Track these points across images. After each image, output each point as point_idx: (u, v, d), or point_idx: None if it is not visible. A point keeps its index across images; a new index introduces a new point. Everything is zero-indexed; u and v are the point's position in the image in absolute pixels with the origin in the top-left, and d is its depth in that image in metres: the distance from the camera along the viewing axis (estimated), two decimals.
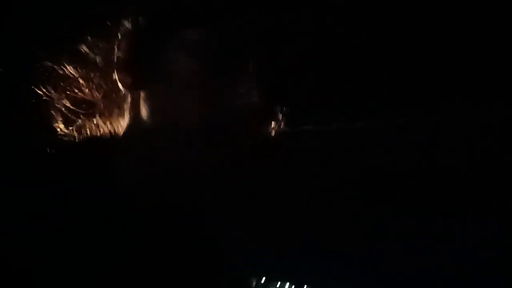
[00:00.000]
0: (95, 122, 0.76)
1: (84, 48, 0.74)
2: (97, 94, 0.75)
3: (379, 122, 2.21)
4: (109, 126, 0.76)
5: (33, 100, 0.76)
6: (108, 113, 0.76)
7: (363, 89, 2.15)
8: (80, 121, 0.76)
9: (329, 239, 2.32)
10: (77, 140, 0.75)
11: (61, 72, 0.75)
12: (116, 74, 0.73)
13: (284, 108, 0.76)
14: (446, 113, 2.24)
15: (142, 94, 0.72)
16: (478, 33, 2.00)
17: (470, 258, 2.25)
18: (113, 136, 0.76)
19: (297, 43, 0.75)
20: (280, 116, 0.75)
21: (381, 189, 2.29)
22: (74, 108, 0.76)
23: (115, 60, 0.72)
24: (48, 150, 0.72)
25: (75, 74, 0.74)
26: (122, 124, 0.76)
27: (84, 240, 0.65)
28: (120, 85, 0.73)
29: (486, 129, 2.21)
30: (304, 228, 2.32)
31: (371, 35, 1.96)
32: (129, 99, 0.75)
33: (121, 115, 0.76)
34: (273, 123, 0.75)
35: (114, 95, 0.75)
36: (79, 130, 0.76)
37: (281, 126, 0.76)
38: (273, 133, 0.74)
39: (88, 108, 0.76)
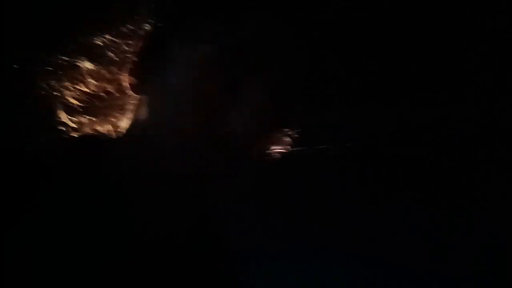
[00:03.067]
0: (94, 119, 0.76)
1: (96, 43, 0.73)
2: (102, 92, 0.74)
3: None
4: (109, 126, 0.75)
5: (38, 91, 0.75)
6: (110, 113, 0.75)
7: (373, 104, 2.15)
8: (80, 117, 0.75)
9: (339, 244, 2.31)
10: (76, 136, 0.74)
11: (69, 64, 0.74)
12: (123, 74, 0.72)
13: (293, 125, 0.74)
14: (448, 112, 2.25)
15: (146, 98, 0.71)
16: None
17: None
18: (111, 136, 0.75)
19: (313, 57, 0.73)
20: (287, 134, 0.74)
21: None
22: (77, 102, 0.75)
23: (124, 60, 0.71)
24: (48, 145, 0.71)
25: (83, 68, 0.73)
26: (122, 125, 0.75)
27: (80, 240, 0.65)
28: (125, 85, 0.72)
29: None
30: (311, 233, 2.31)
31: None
32: (133, 101, 0.74)
33: (123, 116, 0.75)
34: (279, 139, 0.74)
35: (118, 95, 0.74)
36: (79, 126, 0.75)
37: (287, 144, 0.75)
38: (278, 150, 0.73)
39: (90, 104, 0.74)
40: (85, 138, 0.74)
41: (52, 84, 0.74)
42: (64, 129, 0.75)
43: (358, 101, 2.09)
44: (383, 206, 2.32)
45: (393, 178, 2.31)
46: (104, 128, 0.76)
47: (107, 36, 0.72)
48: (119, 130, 0.75)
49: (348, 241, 2.31)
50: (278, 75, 0.68)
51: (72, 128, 0.75)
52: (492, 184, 2.28)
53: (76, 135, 0.74)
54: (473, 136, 2.23)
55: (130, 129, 0.73)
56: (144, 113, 0.71)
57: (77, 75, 0.74)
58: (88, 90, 0.74)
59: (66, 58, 0.73)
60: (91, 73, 0.73)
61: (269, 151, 0.72)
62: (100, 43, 0.73)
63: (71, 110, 0.75)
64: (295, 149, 0.76)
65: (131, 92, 0.72)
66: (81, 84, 0.74)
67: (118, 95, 0.74)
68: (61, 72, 0.74)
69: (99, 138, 0.75)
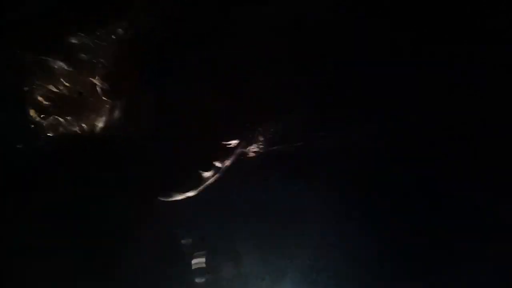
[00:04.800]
0: (68, 119, 0.77)
1: (74, 45, 0.74)
2: (73, 93, 0.75)
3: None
4: (84, 127, 0.77)
5: (12, 89, 0.75)
6: (84, 114, 0.76)
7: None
8: (53, 117, 0.76)
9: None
10: (49, 135, 0.76)
11: (45, 64, 0.75)
12: (97, 79, 0.73)
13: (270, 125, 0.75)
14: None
15: (120, 103, 0.73)
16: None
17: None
18: (86, 137, 0.76)
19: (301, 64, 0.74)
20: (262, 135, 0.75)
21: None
22: (48, 102, 0.75)
23: (96, 63, 0.72)
24: (20, 143, 0.72)
25: (59, 68, 0.74)
26: (97, 127, 0.76)
27: (78, 238, 0.66)
28: (99, 90, 0.73)
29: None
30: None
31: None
32: (107, 106, 0.75)
33: (98, 118, 0.76)
34: (255, 139, 0.75)
35: (91, 97, 0.75)
36: (53, 126, 0.76)
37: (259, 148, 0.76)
38: (254, 150, 0.75)
39: (63, 105, 0.76)
40: (60, 136, 0.76)
41: (22, 81, 0.75)
42: (36, 127, 0.76)
43: (355, 100, 2.10)
44: (382, 206, 2.32)
45: (393, 178, 2.31)
46: (78, 127, 0.77)
47: (81, 37, 0.74)
48: (95, 131, 0.76)
49: (347, 242, 2.31)
50: (262, 81, 0.69)
51: (45, 126, 0.76)
52: (492, 183, 2.27)
53: (50, 134, 0.76)
54: (472, 136, 2.22)
55: (105, 133, 0.74)
56: (117, 116, 0.72)
57: (48, 74, 0.75)
58: (58, 90, 0.75)
59: (39, 56, 0.74)
60: (62, 73, 0.74)
61: (245, 152, 0.74)
62: (74, 43, 0.74)
63: (42, 109, 0.77)
64: (270, 148, 0.77)
65: (105, 97, 0.73)
66: (52, 84, 0.75)
67: (90, 97, 0.75)
68: (32, 70, 0.74)
69: (71, 138, 0.76)
